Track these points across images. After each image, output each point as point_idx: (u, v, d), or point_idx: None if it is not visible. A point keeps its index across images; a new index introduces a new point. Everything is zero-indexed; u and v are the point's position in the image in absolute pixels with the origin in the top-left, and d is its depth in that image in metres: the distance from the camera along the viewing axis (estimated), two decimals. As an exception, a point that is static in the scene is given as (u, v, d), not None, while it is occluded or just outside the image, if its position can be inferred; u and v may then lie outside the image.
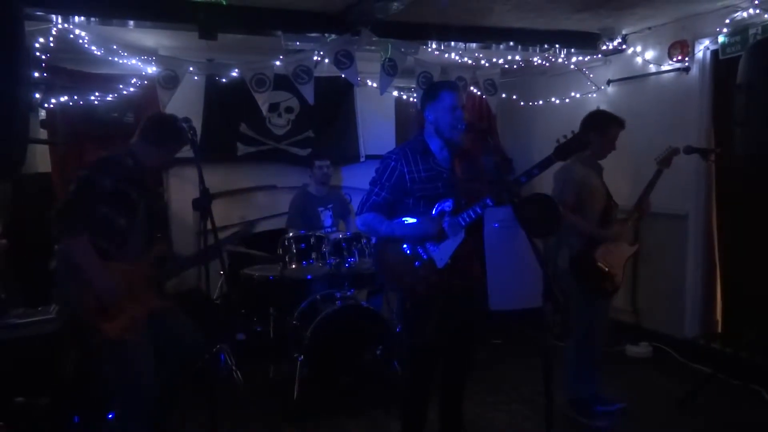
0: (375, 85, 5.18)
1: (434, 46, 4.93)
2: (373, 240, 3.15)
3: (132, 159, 2.84)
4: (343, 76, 4.82)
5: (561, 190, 3.64)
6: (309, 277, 4.46)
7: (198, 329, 3.07)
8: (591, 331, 3.72)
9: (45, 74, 4.46)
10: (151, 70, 4.63)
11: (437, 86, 3.03)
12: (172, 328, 2.96)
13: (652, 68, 5.07)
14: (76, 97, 4.92)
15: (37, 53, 4.19)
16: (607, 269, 3.63)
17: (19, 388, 3.32)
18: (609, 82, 5.51)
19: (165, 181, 5.67)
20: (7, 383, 3.29)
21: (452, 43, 4.98)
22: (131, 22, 4.20)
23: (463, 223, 2.83)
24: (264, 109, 4.89)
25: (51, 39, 4.13)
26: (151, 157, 2.93)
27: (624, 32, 5.23)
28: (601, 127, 3.68)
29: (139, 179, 2.86)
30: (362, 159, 6.26)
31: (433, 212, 2.88)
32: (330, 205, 5.24)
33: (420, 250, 2.89)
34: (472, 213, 2.82)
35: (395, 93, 5.90)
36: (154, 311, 2.87)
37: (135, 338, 2.74)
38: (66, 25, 4.06)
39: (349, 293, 4.32)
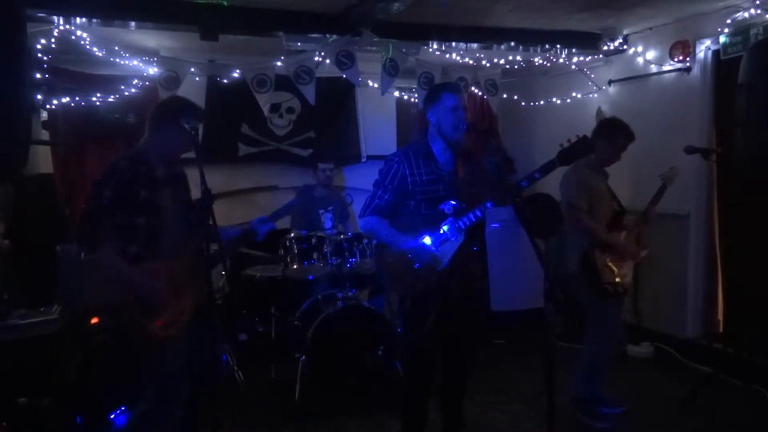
0: (376, 85, 5.19)
1: (435, 46, 4.93)
2: (374, 241, 3.17)
3: (137, 157, 2.77)
4: (344, 76, 4.83)
5: (572, 194, 3.62)
6: (310, 277, 4.47)
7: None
8: (606, 333, 3.69)
9: (47, 75, 4.46)
10: (153, 71, 4.64)
11: (438, 88, 3.05)
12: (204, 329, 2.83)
13: (654, 68, 5.07)
14: (77, 98, 4.92)
15: (39, 54, 4.19)
16: (615, 269, 3.62)
17: (21, 388, 3.32)
18: (610, 82, 5.50)
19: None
20: (9, 384, 3.29)
21: (453, 44, 4.98)
22: (132, 23, 4.21)
23: (462, 226, 2.85)
24: (265, 109, 4.90)
25: (53, 40, 4.14)
26: (164, 146, 2.83)
27: (625, 32, 5.23)
28: (609, 134, 3.68)
29: (150, 177, 2.76)
30: (363, 159, 6.26)
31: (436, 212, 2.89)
32: (331, 207, 5.24)
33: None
34: (472, 216, 2.84)
35: (396, 93, 5.91)
36: (199, 306, 2.79)
37: (175, 335, 2.70)
38: (67, 27, 4.06)
39: (350, 293, 4.33)
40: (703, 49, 4.68)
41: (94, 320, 3.52)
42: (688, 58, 4.75)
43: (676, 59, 4.82)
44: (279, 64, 4.71)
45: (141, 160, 2.78)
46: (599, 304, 3.66)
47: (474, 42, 5.02)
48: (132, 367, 2.92)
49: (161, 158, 2.84)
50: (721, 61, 4.54)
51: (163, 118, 2.82)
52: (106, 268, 2.67)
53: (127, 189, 2.69)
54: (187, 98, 2.97)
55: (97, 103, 5.08)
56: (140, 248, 2.71)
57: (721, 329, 4.83)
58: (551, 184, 3.87)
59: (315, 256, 4.31)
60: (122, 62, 4.62)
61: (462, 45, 5.02)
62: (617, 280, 3.62)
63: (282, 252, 4.40)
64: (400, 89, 5.86)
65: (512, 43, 5.06)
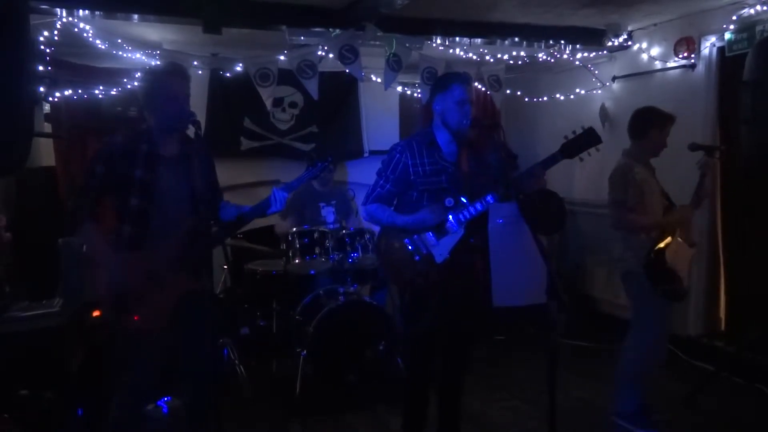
0: (379, 80, 5.16)
1: (439, 41, 4.91)
2: (376, 228, 3.14)
3: (138, 135, 2.68)
4: (347, 71, 4.82)
5: (623, 192, 3.40)
6: (312, 272, 4.47)
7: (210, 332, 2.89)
8: (659, 337, 3.54)
9: (49, 68, 4.45)
10: (156, 64, 4.63)
11: (448, 77, 3.01)
12: (195, 324, 2.70)
13: (658, 65, 5.05)
14: (80, 91, 4.91)
15: (42, 47, 4.19)
16: (676, 271, 3.39)
17: (24, 380, 3.33)
18: (614, 78, 5.49)
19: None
20: (12, 376, 3.30)
21: (457, 39, 4.96)
22: (136, 16, 4.19)
23: (462, 220, 2.83)
24: (268, 103, 4.89)
25: (55, 32, 4.14)
26: (162, 121, 2.69)
27: (630, 28, 5.21)
28: (658, 123, 3.52)
29: (151, 156, 2.65)
30: (366, 154, 6.24)
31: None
32: (333, 201, 5.23)
33: (420, 244, 2.90)
34: (472, 210, 2.81)
35: (399, 88, 5.88)
36: (185, 296, 2.64)
37: (146, 329, 2.58)
38: (70, 19, 4.05)
39: (352, 288, 4.33)
40: (708, 45, 4.66)
41: (96, 313, 3.52)
42: (692, 55, 4.73)
43: (680, 56, 4.80)
44: (282, 58, 4.70)
45: (142, 138, 2.69)
46: (659, 306, 3.44)
47: (478, 37, 5.00)
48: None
49: (167, 135, 2.72)
50: (726, 58, 4.53)
51: (151, 90, 2.73)
52: (84, 246, 2.62)
53: (119, 166, 2.61)
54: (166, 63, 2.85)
55: (100, 96, 5.07)
56: (133, 229, 2.62)
57: (722, 327, 4.82)
58: (555, 180, 3.84)
59: (317, 250, 4.30)
60: (125, 55, 4.61)
61: (465, 40, 5.00)
62: (679, 280, 3.40)
63: (284, 247, 4.40)
64: (403, 84, 5.84)
65: (516, 39, 5.03)
